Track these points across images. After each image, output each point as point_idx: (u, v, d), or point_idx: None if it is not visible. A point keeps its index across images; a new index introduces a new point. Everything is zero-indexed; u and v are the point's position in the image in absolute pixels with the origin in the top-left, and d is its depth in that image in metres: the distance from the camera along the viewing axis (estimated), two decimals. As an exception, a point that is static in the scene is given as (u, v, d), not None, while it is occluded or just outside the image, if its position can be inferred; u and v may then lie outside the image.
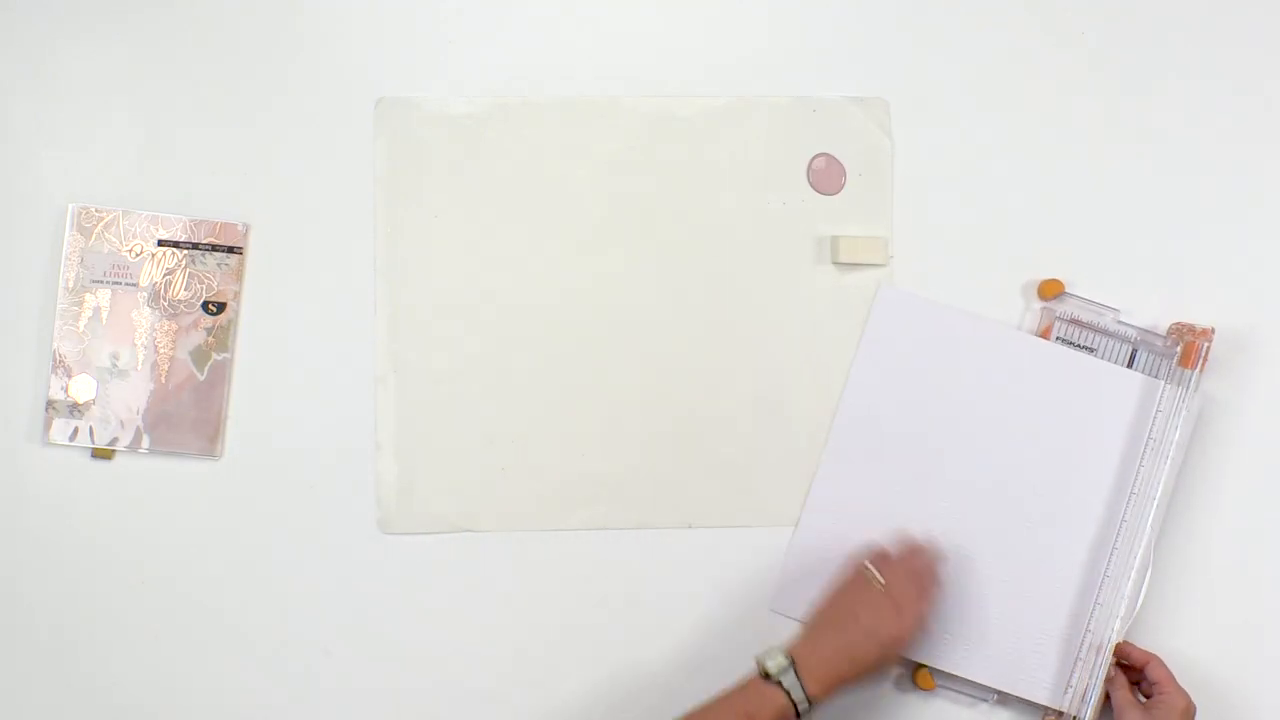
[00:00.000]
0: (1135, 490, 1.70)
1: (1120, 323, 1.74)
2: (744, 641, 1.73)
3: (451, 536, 1.73)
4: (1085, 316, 1.74)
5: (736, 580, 1.74)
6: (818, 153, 1.78)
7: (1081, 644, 1.69)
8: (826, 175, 1.78)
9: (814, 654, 1.56)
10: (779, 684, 1.54)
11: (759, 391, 1.75)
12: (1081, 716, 1.67)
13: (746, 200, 1.77)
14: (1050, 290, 1.74)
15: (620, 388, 1.75)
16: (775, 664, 1.55)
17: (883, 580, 1.61)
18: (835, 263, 1.77)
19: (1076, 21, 1.81)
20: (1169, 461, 1.70)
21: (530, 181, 1.76)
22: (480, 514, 1.73)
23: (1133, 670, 1.68)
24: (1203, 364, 1.70)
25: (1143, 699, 1.66)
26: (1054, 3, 1.81)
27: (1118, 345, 1.74)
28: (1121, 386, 1.72)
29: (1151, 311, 1.77)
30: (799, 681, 1.53)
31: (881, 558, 1.65)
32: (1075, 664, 1.68)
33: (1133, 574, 1.69)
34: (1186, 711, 1.63)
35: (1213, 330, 1.71)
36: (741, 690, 1.55)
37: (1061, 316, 1.74)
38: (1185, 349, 1.71)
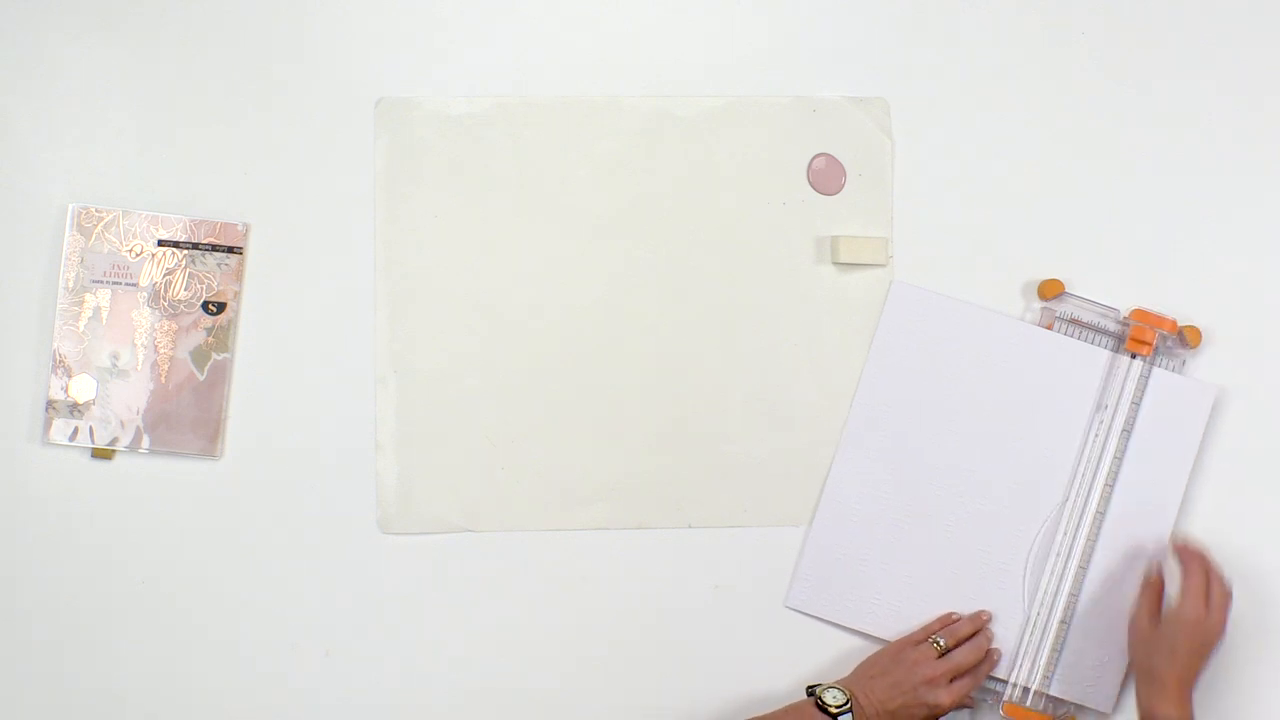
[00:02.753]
0: (1087, 462, 1.73)
1: (1121, 322, 1.75)
2: (745, 640, 1.73)
3: (451, 536, 1.73)
4: (1086, 316, 1.75)
5: (737, 579, 1.74)
6: (818, 153, 1.78)
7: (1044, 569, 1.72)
8: (826, 175, 1.78)
9: (869, 697, 1.63)
10: (833, 717, 1.60)
11: (759, 391, 1.75)
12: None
13: (746, 200, 1.77)
14: (1050, 290, 1.74)
15: (620, 387, 1.75)
16: (834, 698, 1.61)
17: (943, 644, 1.67)
18: (835, 263, 1.77)
19: (1076, 21, 1.81)
20: (1118, 433, 1.72)
21: (530, 181, 1.76)
22: (480, 514, 1.73)
23: (1160, 584, 1.69)
24: (1150, 351, 1.73)
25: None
26: (1054, 3, 1.81)
27: (1118, 344, 1.75)
28: (1119, 373, 1.74)
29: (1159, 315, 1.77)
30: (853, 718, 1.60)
31: (948, 625, 1.70)
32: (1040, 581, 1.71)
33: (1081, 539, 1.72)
34: (1199, 626, 1.61)
35: (1175, 322, 1.74)
36: (797, 713, 1.60)
37: (1062, 316, 1.75)
38: (1134, 333, 1.73)
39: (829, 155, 1.78)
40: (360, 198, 1.75)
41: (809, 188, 1.78)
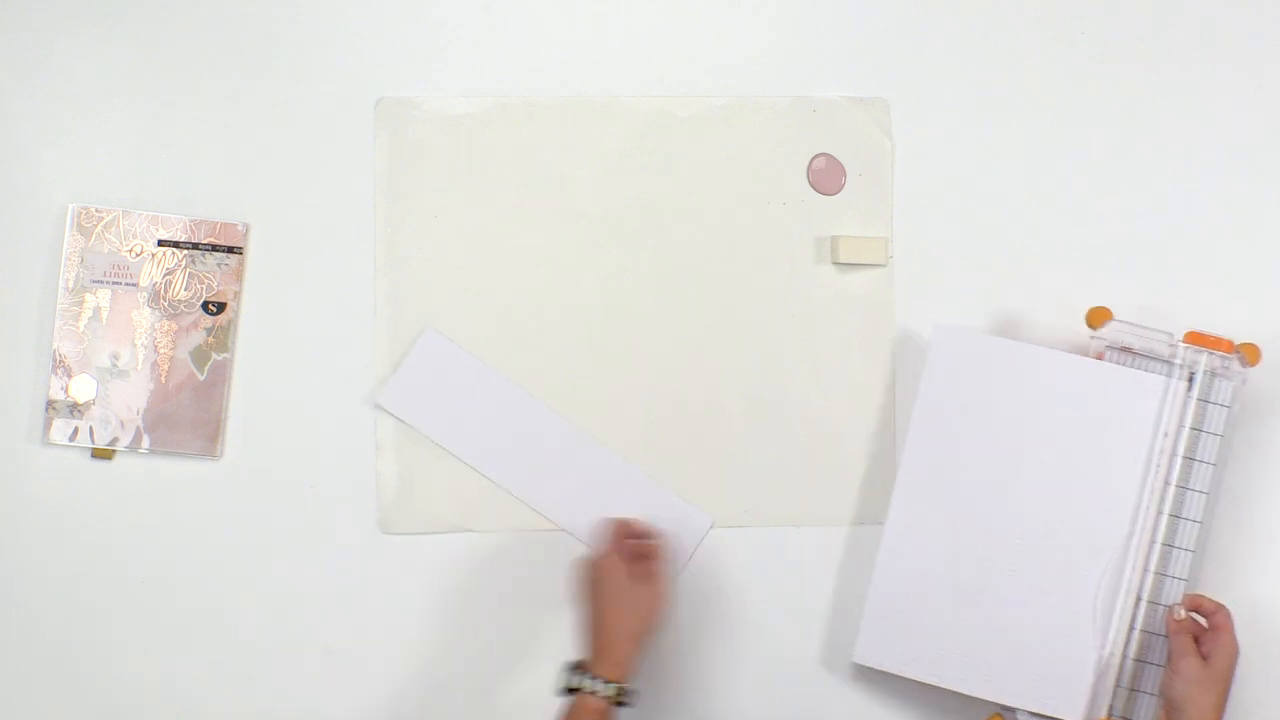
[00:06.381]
0: (1150, 492, 1.68)
1: (1174, 345, 1.70)
2: (747, 639, 1.73)
3: (451, 536, 1.73)
4: (1136, 343, 1.70)
5: (737, 579, 1.74)
6: (818, 153, 1.78)
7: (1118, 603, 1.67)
8: (826, 175, 1.78)
9: (603, 652, 1.60)
10: (580, 690, 1.58)
11: (758, 391, 1.75)
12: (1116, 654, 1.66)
13: (746, 200, 1.77)
14: (1098, 318, 1.70)
15: (618, 386, 1.75)
16: (564, 678, 1.60)
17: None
18: (835, 263, 1.77)
19: (1076, 21, 1.81)
20: (1180, 460, 1.68)
21: (530, 181, 1.76)
22: (480, 514, 1.73)
23: (1196, 625, 1.66)
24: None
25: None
26: (1054, 3, 1.81)
27: (1174, 370, 1.70)
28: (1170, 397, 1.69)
29: (1158, 314, 1.77)
30: (592, 677, 1.58)
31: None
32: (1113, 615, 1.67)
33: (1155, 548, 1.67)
34: (1234, 658, 1.62)
35: (1231, 342, 1.69)
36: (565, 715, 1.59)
37: (1113, 345, 1.70)
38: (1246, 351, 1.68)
39: (829, 155, 1.78)
40: (360, 198, 1.75)
41: (809, 188, 1.78)
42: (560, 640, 1.72)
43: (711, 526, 1.74)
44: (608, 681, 1.58)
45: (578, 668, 1.60)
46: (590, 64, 1.78)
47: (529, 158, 1.76)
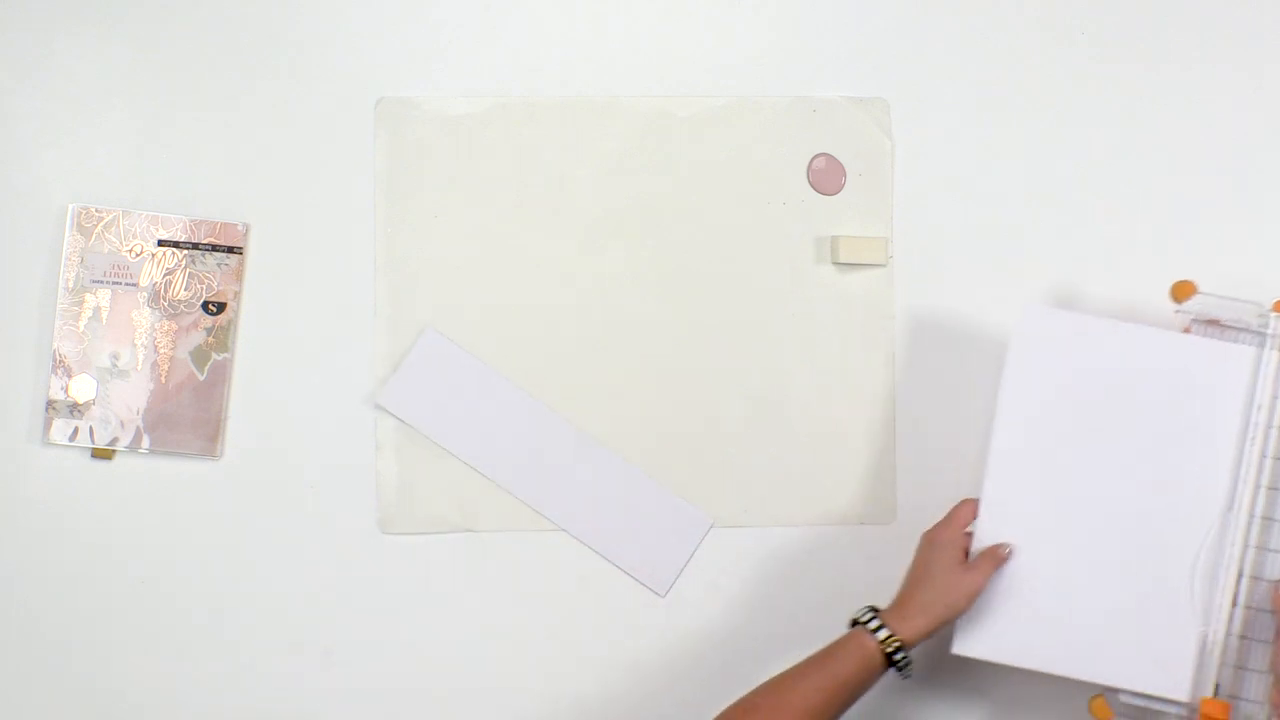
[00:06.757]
0: (1246, 466, 1.66)
1: (1264, 315, 1.67)
2: (747, 639, 1.73)
3: (451, 536, 1.73)
4: (1224, 314, 1.67)
5: (737, 579, 1.74)
6: (818, 153, 1.78)
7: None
8: (826, 175, 1.78)
9: (900, 606, 1.61)
10: (864, 627, 1.58)
11: (758, 391, 1.75)
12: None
13: (746, 200, 1.77)
14: (1183, 292, 1.68)
15: (618, 387, 1.75)
16: (857, 612, 1.60)
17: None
18: (835, 263, 1.77)
19: (1076, 21, 1.81)
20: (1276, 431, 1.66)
21: (530, 182, 1.76)
22: (480, 514, 1.73)
23: None
24: None
25: None
26: (1054, 3, 1.81)
27: (1266, 340, 1.67)
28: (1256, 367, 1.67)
29: (1159, 315, 1.77)
30: (881, 621, 1.58)
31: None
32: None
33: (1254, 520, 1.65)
34: None
35: None
36: (829, 645, 1.59)
37: (1199, 318, 1.68)
38: None
39: (829, 155, 1.78)
40: (360, 198, 1.75)
41: (809, 188, 1.78)
42: (561, 640, 1.72)
43: (711, 526, 1.74)
44: (891, 634, 1.58)
45: (873, 610, 1.60)
46: (590, 64, 1.78)
47: (529, 158, 1.76)
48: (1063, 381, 1.68)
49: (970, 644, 1.66)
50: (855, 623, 1.60)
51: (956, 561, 1.63)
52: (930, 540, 1.65)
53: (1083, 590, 1.66)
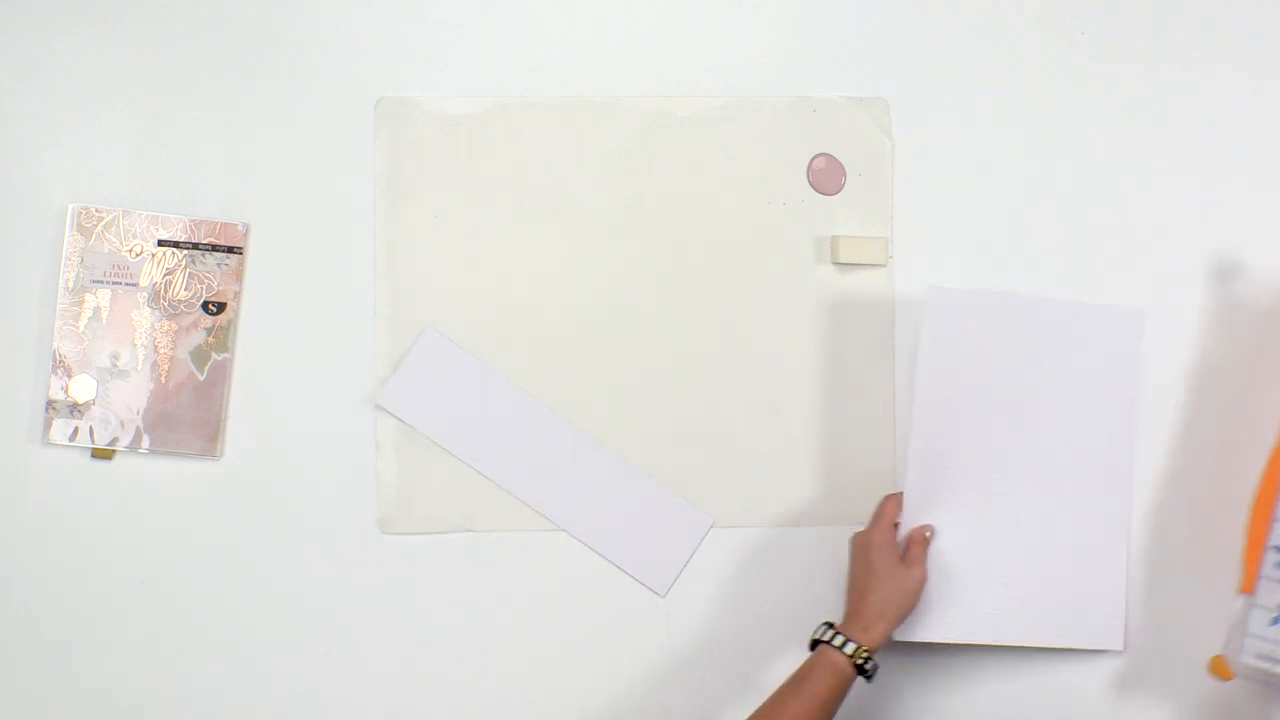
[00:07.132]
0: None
1: None
2: (752, 635, 1.73)
3: (451, 536, 1.73)
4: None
5: (737, 579, 1.74)
6: (818, 153, 1.78)
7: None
8: (826, 175, 1.78)
9: (855, 616, 1.63)
10: (826, 643, 1.60)
11: (758, 391, 1.75)
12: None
13: (746, 200, 1.77)
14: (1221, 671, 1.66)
15: (618, 386, 1.75)
16: (817, 631, 1.62)
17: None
18: (835, 263, 1.77)
19: (1076, 21, 1.81)
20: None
21: (530, 181, 1.76)
22: (480, 514, 1.73)
23: None
24: None
25: None
26: (1054, 3, 1.81)
27: None
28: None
29: (1162, 314, 1.77)
30: (844, 635, 1.60)
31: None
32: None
33: None
34: None
35: None
36: (799, 669, 1.61)
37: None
38: None
39: (829, 155, 1.78)
40: (360, 198, 1.75)
41: (809, 188, 1.78)
42: (561, 640, 1.72)
43: (712, 526, 1.74)
44: (859, 645, 1.60)
45: (830, 626, 1.62)
46: (590, 64, 1.78)
47: (529, 158, 1.76)
48: (974, 361, 1.72)
49: (911, 629, 1.69)
50: (816, 642, 1.62)
51: (896, 559, 1.66)
52: (865, 543, 1.67)
53: (1011, 562, 1.71)
